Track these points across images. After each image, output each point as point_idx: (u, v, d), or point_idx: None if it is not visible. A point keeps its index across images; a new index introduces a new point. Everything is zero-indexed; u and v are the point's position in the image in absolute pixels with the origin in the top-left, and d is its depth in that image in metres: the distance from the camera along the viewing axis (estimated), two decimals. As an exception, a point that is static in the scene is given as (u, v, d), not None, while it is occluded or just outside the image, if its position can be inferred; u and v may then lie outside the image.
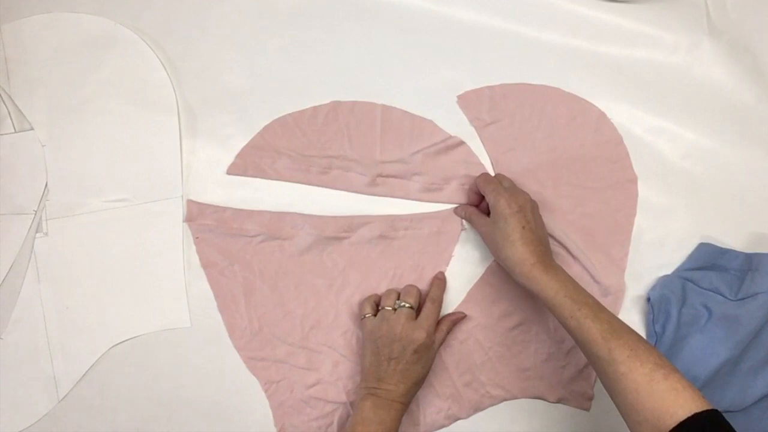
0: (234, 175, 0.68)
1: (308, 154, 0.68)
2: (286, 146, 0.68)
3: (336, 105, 0.68)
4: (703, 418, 0.45)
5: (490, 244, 0.62)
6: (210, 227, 0.67)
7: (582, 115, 0.68)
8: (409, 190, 0.68)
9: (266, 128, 0.69)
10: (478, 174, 0.67)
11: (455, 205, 0.68)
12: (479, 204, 0.66)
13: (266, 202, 0.68)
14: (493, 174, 0.68)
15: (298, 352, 0.67)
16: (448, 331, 0.65)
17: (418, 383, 0.62)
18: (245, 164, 0.68)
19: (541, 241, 0.59)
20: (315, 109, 0.68)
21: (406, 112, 0.68)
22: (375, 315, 0.63)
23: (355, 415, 0.60)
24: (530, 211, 0.60)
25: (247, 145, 0.68)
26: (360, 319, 0.65)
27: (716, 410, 0.46)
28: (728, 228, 0.66)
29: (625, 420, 0.50)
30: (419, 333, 0.60)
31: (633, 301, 0.66)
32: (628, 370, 0.49)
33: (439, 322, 0.64)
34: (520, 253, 0.57)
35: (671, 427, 0.45)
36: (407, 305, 0.62)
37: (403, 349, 0.60)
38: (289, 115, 0.69)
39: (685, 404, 0.46)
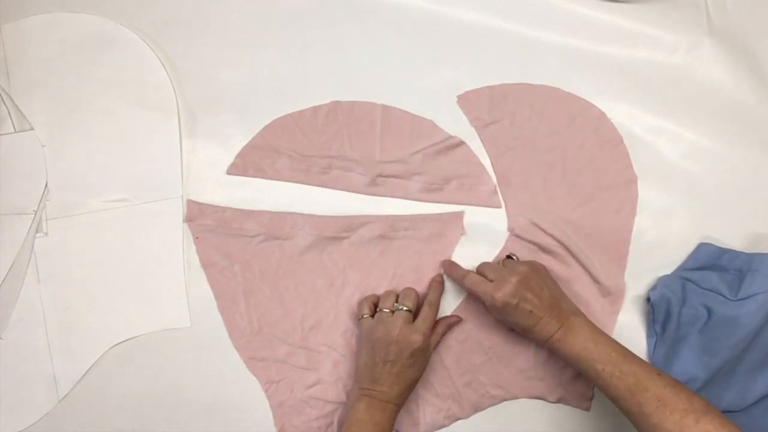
0: (234, 175, 0.68)
1: (308, 154, 0.68)
2: (286, 146, 0.68)
3: (336, 105, 0.68)
4: None
5: (509, 328, 0.64)
6: (210, 227, 0.67)
7: (582, 115, 0.68)
8: (409, 190, 0.68)
9: (266, 128, 0.69)
10: (477, 174, 0.67)
11: (456, 207, 0.68)
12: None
13: (266, 202, 0.68)
14: (493, 174, 0.68)
15: (298, 352, 0.67)
16: (444, 335, 0.65)
17: (412, 386, 0.62)
18: (245, 164, 0.68)
19: (553, 307, 0.59)
20: (315, 109, 0.68)
21: (406, 112, 0.68)
22: (372, 316, 0.63)
23: (349, 417, 0.60)
24: (528, 289, 0.59)
25: (247, 145, 0.68)
26: (357, 319, 0.65)
27: None
28: (728, 228, 0.66)
29: None
30: (416, 336, 0.60)
31: (633, 301, 0.66)
32: (659, 421, 0.50)
33: (435, 325, 0.64)
34: (537, 336, 0.59)
35: None
36: (405, 308, 0.62)
37: (399, 352, 0.60)
38: (289, 115, 0.68)
39: None
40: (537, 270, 0.61)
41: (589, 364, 0.55)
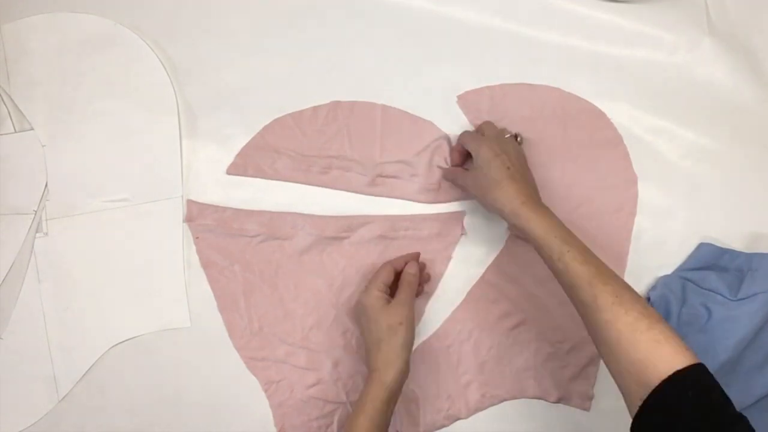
0: (234, 175, 0.68)
1: (308, 154, 0.68)
2: (286, 146, 0.68)
3: (336, 105, 0.68)
4: (684, 375, 0.44)
5: (477, 191, 0.60)
6: (210, 227, 0.67)
7: (582, 115, 0.68)
8: (408, 191, 0.68)
9: (266, 128, 0.68)
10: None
11: (456, 208, 0.68)
12: (463, 164, 0.66)
13: (266, 202, 0.68)
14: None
15: (298, 352, 0.67)
16: (416, 278, 0.63)
17: (368, 347, 0.60)
18: (245, 164, 0.68)
19: (528, 182, 0.59)
20: (315, 109, 0.68)
21: (405, 112, 0.68)
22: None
23: None
24: (514, 154, 0.60)
25: (247, 145, 0.68)
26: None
27: (700, 364, 0.45)
28: (728, 228, 0.66)
29: (608, 369, 0.49)
30: (363, 296, 0.61)
31: (633, 301, 0.66)
32: (612, 318, 0.48)
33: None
34: (507, 192, 0.56)
35: (653, 383, 0.44)
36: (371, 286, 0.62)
37: (356, 318, 0.63)
38: (289, 115, 0.68)
39: (666, 357, 0.45)
40: (524, 156, 0.62)
41: (554, 243, 0.53)
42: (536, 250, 0.55)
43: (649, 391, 0.44)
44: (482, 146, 0.60)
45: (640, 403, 0.45)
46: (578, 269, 0.51)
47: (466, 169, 0.64)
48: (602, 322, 0.48)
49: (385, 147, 0.68)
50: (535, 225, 0.54)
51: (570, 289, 0.52)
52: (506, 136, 0.63)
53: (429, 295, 0.67)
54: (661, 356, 0.45)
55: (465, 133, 0.65)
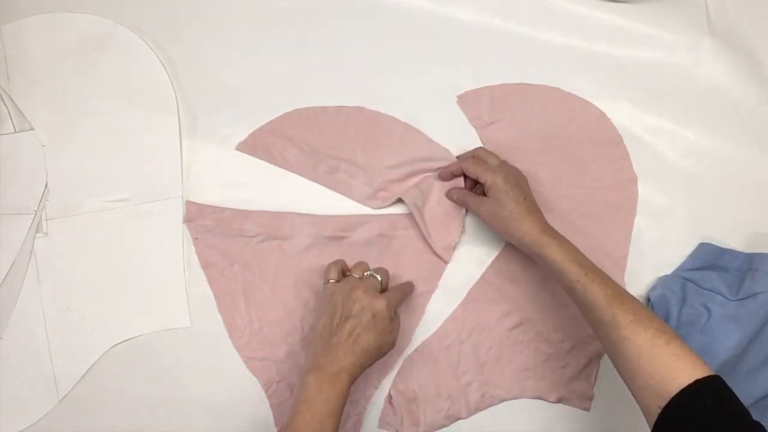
0: (242, 152, 0.68)
1: (320, 150, 0.68)
2: (300, 138, 0.68)
3: (360, 110, 0.68)
4: (705, 383, 0.45)
5: (495, 221, 0.61)
6: (209, 228, 0.67)
7: (582, 115, 0.68)
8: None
9: (286, 115, 0.68)
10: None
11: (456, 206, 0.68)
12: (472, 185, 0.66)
13: (265, 203, 0.68)
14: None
15: (298, 352, 0.67)
16: (399, 304, 0.61)
17: (367, 355, 0.57)
18: (255, 144, 0.68)
19: (540, 211, 0.61)
20: (339, 108, 0.68)
21: (427, 137, 0.68)
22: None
23: (298, 395, 0.56)
24: (524, 184, 0.62)
25: (262, 127, 0.68)
26: (323, 283, 0.62)
27: (717, 376, 0.46)
28: (728, 228, 0.66)
29: (627, 385, 0.50)
30: (381, 301, 0.57)
31: (633, 301, 0.66)
32: (631, 335, 0.50)
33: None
34: (528, 223, 0.59)
35: (673, 393, 0.45)
36: (377, 276, 0.61)
37: (361, 310, 0.57)
38: (312, 108, 0.68)
39: (686, 370, 0.46)
40: (527, 182, 0.64)
41: (572, 267, 0.55)
42: (554, 274, 0.57)
43: (669, 400, 0.45)
44: (497, 178, 0.60)
45: (659, 411, 0.46)
46: (596, 290, 0.53)
47: (476, 193, 0.64)
48: (621, 338, 0.50)
49: (395, 166, 0.67)
50: (554, 251, 0.57)
51: (589, 310, 0.54)
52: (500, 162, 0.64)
53: (429, 294, 0.67)
54: (682, 368, 0.47)
55: (471, 162, 0.63)
